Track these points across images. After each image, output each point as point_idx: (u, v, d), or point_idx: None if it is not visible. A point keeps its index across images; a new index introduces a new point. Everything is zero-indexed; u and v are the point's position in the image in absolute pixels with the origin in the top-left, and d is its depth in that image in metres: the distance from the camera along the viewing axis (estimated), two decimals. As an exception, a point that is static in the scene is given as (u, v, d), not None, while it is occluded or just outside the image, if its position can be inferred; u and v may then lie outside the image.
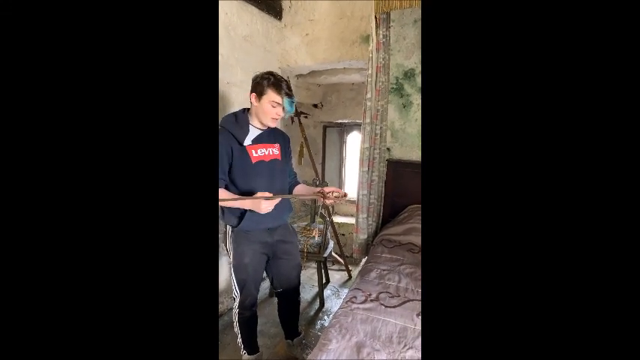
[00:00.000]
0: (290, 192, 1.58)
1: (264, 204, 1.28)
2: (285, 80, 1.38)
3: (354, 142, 3.43)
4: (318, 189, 1.43)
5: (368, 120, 1.94)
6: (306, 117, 3.09)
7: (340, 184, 3.48)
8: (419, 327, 1.16)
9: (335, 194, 1.36)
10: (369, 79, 1.92)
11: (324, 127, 3.47)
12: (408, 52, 2.29)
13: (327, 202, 1.38)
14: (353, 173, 3.41)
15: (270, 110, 1.36)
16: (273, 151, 1.47)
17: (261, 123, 1.42)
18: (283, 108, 1.36)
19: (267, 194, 1.28)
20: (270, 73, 1.36)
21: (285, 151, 1.56)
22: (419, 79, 2.28)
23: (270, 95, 1.34)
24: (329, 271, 2.75)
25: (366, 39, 2.27)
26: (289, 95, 1.36)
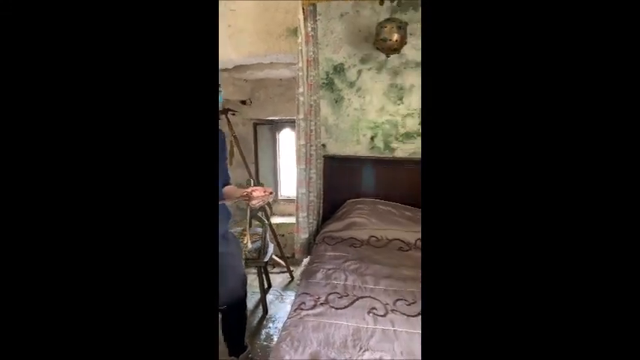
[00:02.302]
0: (220, 196, 1.42)
1: None
2: None
3: (286, 139, 3.34)
4: (242, 191, 1.34)
5: (301, 116, 1.87)
6: (234, 114, 2.90)
7: (276, 184, 3.37)
8: (371, 325, 1.14)
9: (256, 193, 1.29)
10: (300, 73, 1.85)
11: (255, 125, 3.30)
12: (336, 47, 2.28)
13: (252, 203, 1.30)
14: (288, 172, 3.33)
15: None
16: None
17: None
18: None
19: None
20: None
21: (220, 148, 1.38)
22: (349, 74, 2.29)
23: None
24: (270, 275, 2.64)
25: (293, 32, 2.19)
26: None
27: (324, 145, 2.36)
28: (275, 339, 1.85)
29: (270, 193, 1.32)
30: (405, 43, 1.98)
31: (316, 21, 1.97)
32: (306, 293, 1.36)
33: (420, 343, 1.06)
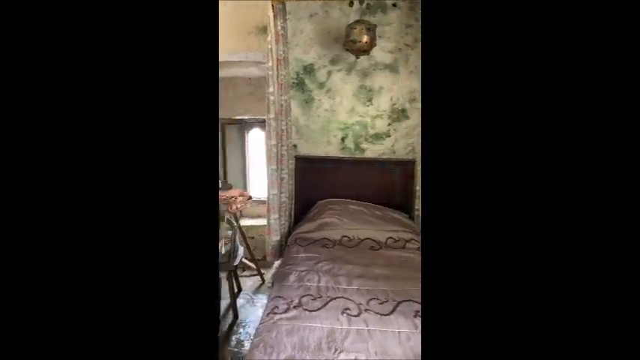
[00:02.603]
0: None
1: None
2: None
3: (256, 139, 3.27)
4: (220, 196, 1.29)
5: (272, 115, 1.84)
6: (200, 113, 2.79)
7: (245, 185, 3.29)
8: (345, 326, 1.14)
9: (240, 199, 1.26)
10: (270, 72, 1.82)
11: (223, 125, 3.21)
12: (306, 47, 2.27)
13: (232, 207, 1.26)
14: (258, 172, 3.27)
15: None
16: None
17: None
18: None
19: None
20: None
21: None
22: (319, 75, 2.28)
23: None
24: (240, 279, 2.57)
25: (263, 30, 2.15)
26: None
27: (295, 146, 2.34)
28: (246, 344, 1.79)
29: (250, 198, 1.30)
30: (375, 45, 2.01)
31: (286, 20, 1.95)
32: (279, 296, 1.33)
33: (393, 341, 1.07)
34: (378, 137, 2.35)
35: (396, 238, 1.92)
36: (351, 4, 2.13)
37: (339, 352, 1.01)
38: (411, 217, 2.25)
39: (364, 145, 2.37)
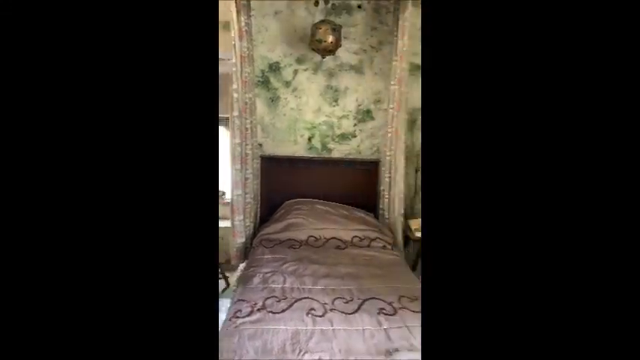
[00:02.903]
0: None
1: None
2: None
3: (219, 137, 3.18)
4: None
5: (236, 113, 1.79)
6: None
7: (208, 186, 3.17)
8: (310, 327, 1.13)
9: None
10: (234, 69, 1.77)
11: (184, 123, 3.08)
12: (271, 45, 2.23)
13: None
14: (221, 172, 3.17)
15: None
16: None
17: None
18: None
19: None
20: None
21: None
22: (284, 73, 2.26)
23: None
24: (204, 283, 2.47)
25: (226, 26, 2.09)
26: None
27: (260, 145, 2.29)
28: (209, 351, 1.73)
29: (223, 193, 1.24)
30: (340, 46, 2.02)
31: (250, 16, 1.91)
32: (242, 300, 1.29)
33: (357, 339, 1.08)
34: (344, 137, 2.37)
35: (362, 237, 1.94)
36: (316, 3, 2.12)
37: (304, 353, 1.00)
38: (376, 217, 2.28)
39: (331, 145, 2.37)
